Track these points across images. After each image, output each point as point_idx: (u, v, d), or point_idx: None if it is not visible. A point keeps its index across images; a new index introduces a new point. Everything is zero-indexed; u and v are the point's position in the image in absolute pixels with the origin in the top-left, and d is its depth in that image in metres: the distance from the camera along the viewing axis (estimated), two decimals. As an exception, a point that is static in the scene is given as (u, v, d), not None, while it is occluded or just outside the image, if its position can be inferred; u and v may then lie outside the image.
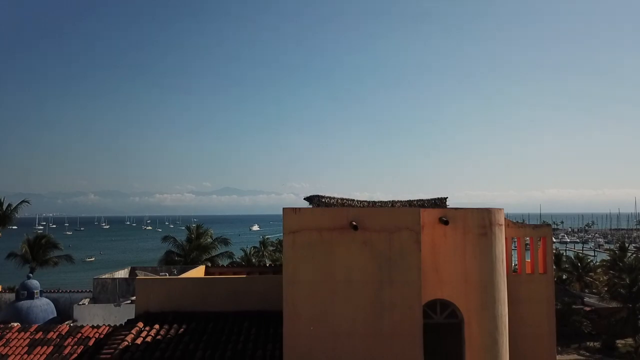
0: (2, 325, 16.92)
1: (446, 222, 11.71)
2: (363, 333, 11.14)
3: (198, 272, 18.40)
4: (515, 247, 14.26)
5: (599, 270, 49.35)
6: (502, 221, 12.58)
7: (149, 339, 12.74)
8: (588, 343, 38.71)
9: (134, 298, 17.58)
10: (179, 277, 16.83)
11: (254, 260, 48.20)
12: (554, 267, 31.10)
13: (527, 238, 14.12)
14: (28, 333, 16.07)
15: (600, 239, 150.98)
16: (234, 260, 45.01)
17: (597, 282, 46.78)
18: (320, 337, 11.08)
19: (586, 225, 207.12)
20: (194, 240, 40.42)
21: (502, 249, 12.37)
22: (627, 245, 58.58)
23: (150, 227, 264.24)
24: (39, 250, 40.57)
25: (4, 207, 40.17)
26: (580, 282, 48.02)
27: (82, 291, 30.02)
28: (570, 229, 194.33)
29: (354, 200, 14.41)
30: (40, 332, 16.13)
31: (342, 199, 14.14)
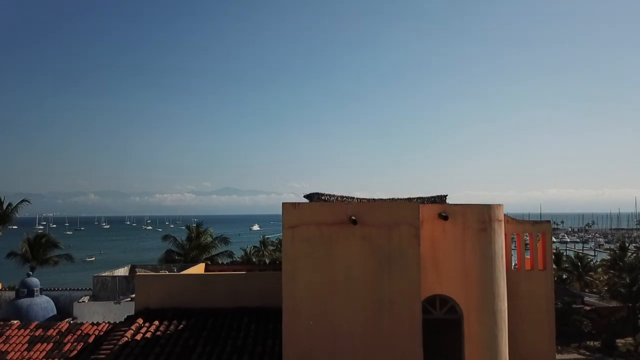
0: (2, 323, 16.96)
1: (445, 218, 11.72)
2: (362, 329, 11.14)
3: (198, 269, 18.41)
4: (514, 246, 14.27)
5: (599, 269, 49.48)
6: (502, 217, 12.58)
7: (148, 335, 12.75)
8: (588, 342, 38.68)
9: (133, 296, 17.61)
10: (178, 274, 16.86)
11: (254, 260, 48.20)
12: (554, 266, 31.29)
13: (527, 234, 14.12)
14: (28, 330, 16.12)
15: (600, 239, 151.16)
16: (234, 259, 45.03)
17: (597, 282, 46.84)
18: (319, 332, 11.07)
19: (586, 225, 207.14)
20: (194, 240, 40.50)
21: (501, 245, 12.37)
22: (627, 244, 58.85)
23: (150, 227, 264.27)
24: (39, 249, 40.69)
25: (4, 206, 40.29)
26: (580, 282, 48.08)
27: (82, 289, 30.06)
28: (570, 229, 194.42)
29: (353, 198, 14.39)
30: (40, 330, 16.20)
31: (341, 197, 14.13)
